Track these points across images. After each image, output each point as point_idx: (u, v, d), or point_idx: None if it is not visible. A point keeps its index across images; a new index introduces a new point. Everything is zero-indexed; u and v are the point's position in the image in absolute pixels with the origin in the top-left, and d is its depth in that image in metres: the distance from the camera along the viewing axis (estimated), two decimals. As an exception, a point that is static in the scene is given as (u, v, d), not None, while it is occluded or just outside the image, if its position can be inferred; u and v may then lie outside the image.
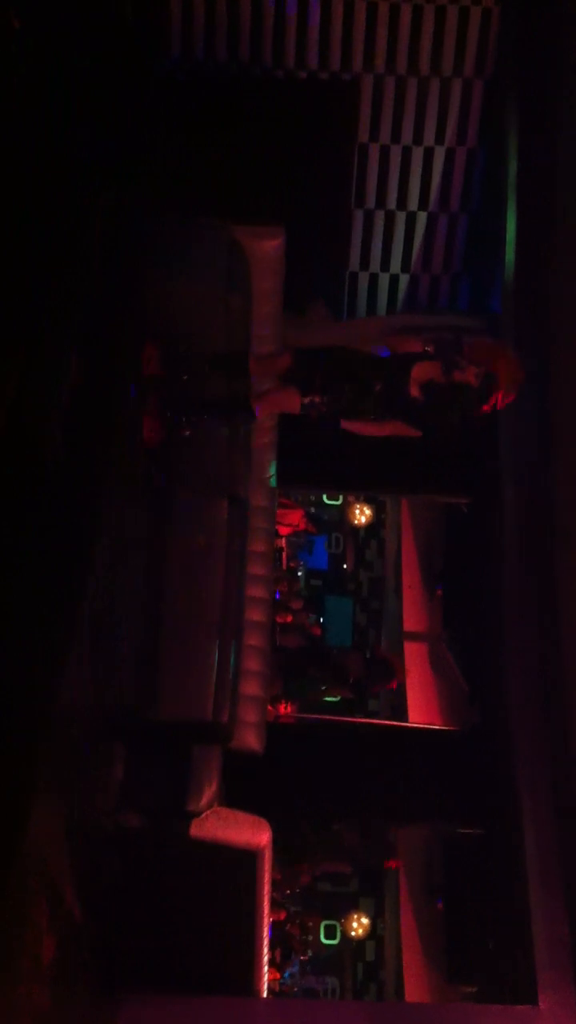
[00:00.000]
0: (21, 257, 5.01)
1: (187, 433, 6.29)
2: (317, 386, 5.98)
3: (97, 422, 5.29)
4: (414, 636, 9.35)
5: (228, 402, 6.41)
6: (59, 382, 4.99)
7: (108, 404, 5.53)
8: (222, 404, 6.40)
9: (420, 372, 5.85)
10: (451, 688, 8.67)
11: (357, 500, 10.46)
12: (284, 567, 10.55)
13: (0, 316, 4.80)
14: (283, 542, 10.56)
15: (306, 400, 6.03)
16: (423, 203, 8.40)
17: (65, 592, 4.84)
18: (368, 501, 10.47)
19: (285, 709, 8.34)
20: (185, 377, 6.29)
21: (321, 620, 10.21)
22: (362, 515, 10.44)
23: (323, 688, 9.11)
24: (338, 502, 10.67)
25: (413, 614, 9.42)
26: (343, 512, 10.74)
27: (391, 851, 9.27)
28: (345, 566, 10.61)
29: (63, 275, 5.27)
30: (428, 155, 8.23)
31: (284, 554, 10.52)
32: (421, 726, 8.75)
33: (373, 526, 10.64)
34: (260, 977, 6.37)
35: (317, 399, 6.00)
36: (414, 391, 5.81)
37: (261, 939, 6.34)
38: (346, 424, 5.99)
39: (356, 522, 10.58)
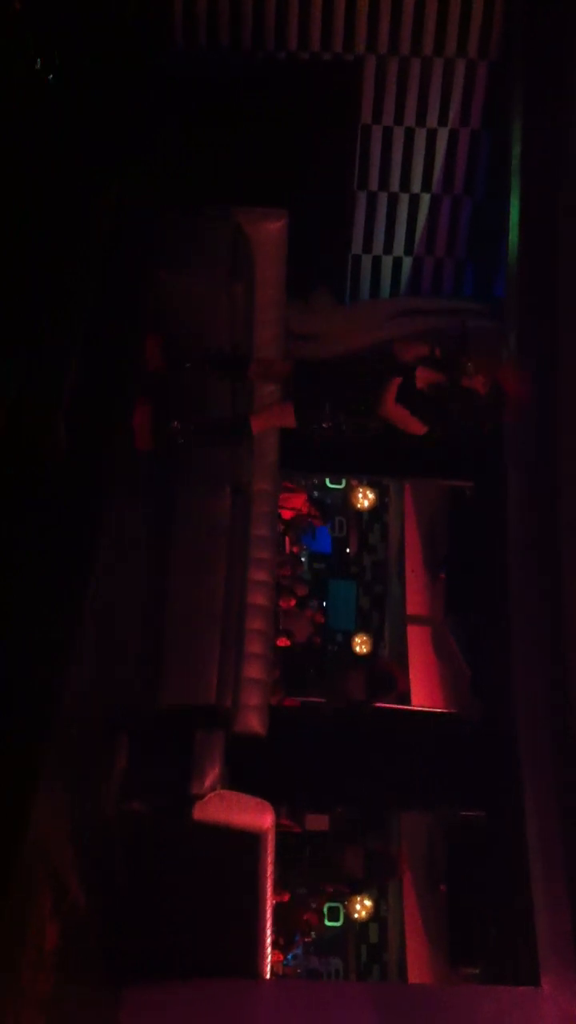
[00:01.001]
0: (23, 252, 5.00)
1: (181, 442, 6.30)
2: (325, 415, 6.00)
3: (100, 417, 5.29)
4: (417, 620, 9.36)
5: (225, 420, 6.43)
6: (62, 379, 4.99)
7: (111, 400, 5.52)
8: (219, 421, 6.41)
9: (426, 377, 5.86)
10: (454, 672, 8.68)
11: (360, 484, 10.44)
12: (287, 551, 10.56)
13: (2, 313, 4.79)
14: (286, 526, 10.57)
15: (313, 426, 6.07)
16: (426, 185, 8.35)
17: (69, 579, 4.85)
18: (371, 485, 10.45)
19: (280, 701, 8.35)
20: (187, 367, 6.28)
21: (324, 604, 10.22)
22: (365, 499, 10.43)
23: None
24: (341, 486, 10.66)
25: (416, 598, 9.43)
26: (346, 496, 10.73)
27: (394, 867, 9.30)
28: (348, 550, 10.62)
29: (65, 270, 5.26)
30: (431, 137, 8.17)
31: (287, 538, 10.52)
32: (424, 709, 8.77)
33: (376, 510, 10.64)
34: (263, 959, 6.41)
35: (325, 425, 6.04)
36: (420, 384, 5.83)
37: (264, 921, 6.37)
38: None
39: (359, 506, 10.57)
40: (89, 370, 5.12)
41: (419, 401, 5.86)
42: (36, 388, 4.79)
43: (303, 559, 10.64)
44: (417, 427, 5.90)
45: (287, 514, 10.46)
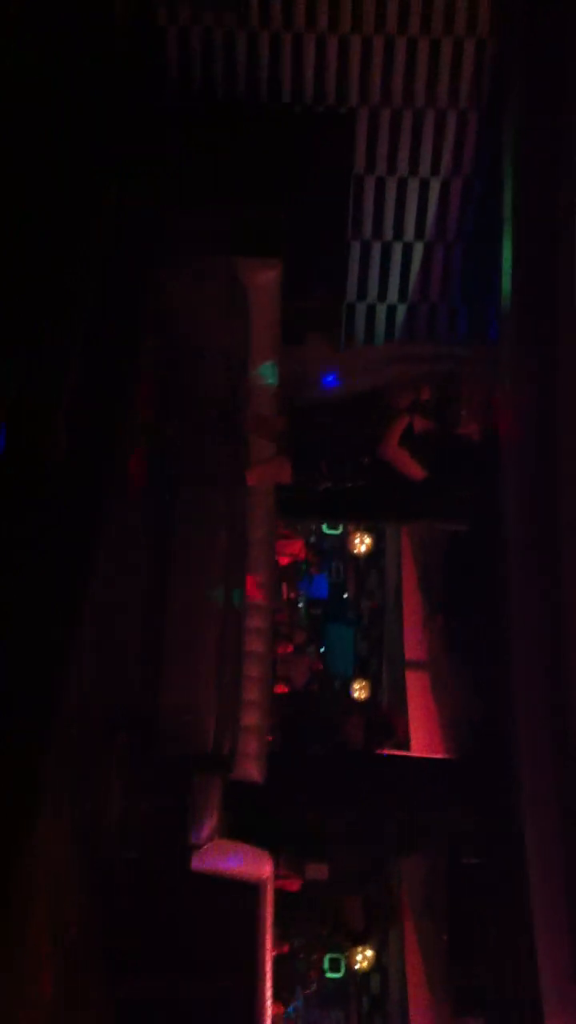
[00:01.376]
0: (23, 253, 5.03)
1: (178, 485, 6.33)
2: (324, 474, 6.05)
3: (99, 424, 5.30)
4: (416, 664, 9.31)
5: (221, 471, 6.46)
6: (62, 379, 5.01)
7: (110, 406, 5.53)
8: (215, 475, 6.44)
9: (421, 424, 5.92)
10: (453, 716, 8.62)
11: (357, 529, 10.44)
12: (284, 597, 10.51)
13: (2, 313, 4.82)
14: (283, 572, 10.53)
15: (312, 484, 6.11)
16: (419, 234, 8.45)
17: (63, 627, 4.84)
18: (368, 530, 10.44)
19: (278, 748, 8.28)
20: (179, 423, 6.32)
21: (322, 650, 10.17)
22: (362, 544, 10.42)
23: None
24: (338, 531, 10.64)
25: (414, 642, 9.38)
26: (343, 541, 10.71)
27: (394, 915, 9.20)
28: (346, 595, 10.58)
29: (65, 270, 5.30)
30: (424, 186, 8.29)
31: (284, 584, 10.48)
32: (424, 755, 8.70)
33: (373, 555, 10.62)
34: (264, 1012, 6.32)
35: (321, 486, 6.10)
36: (417, 430, 5.88)
37: (264, 973, 6.29)
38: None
39: (357, 551, 10.56)
40: (89, 370, 5.13)
41: (417, 446, 5.91)
42: (36, 388, 4.80)
43: (300, 605, 10.60)
44: (416, 471, 5.94)
45: (284, 560, 10.44)
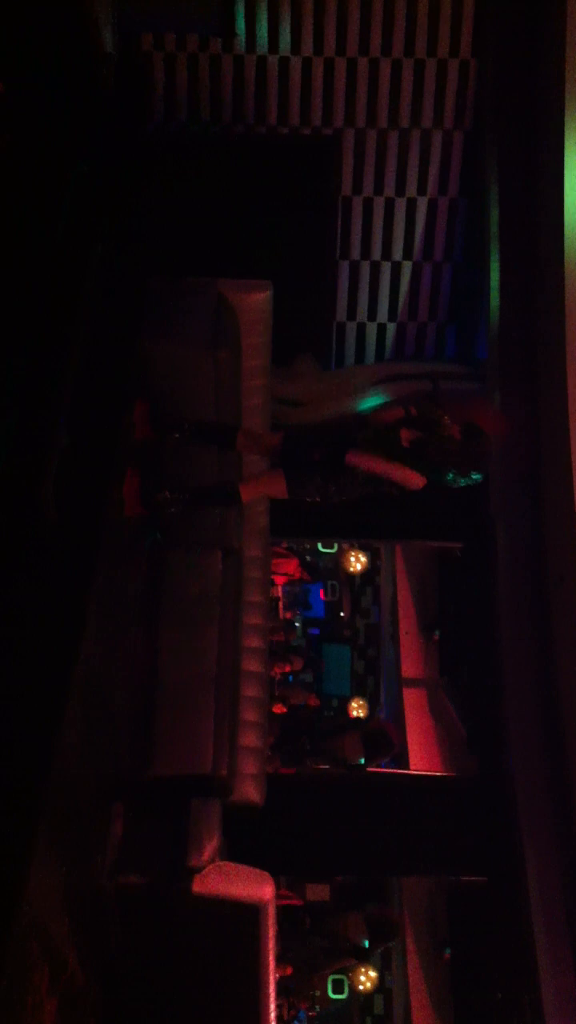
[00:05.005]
0: (8, 311, 5.05)
1: (172, 511, 6.34)
2: (314, 487, 6.05)
3: (89, 483, 5.31)
4: (412, 682, 9.31)
5: (214, 488, 6.47)
6: (51, 444, 5.01)
7: (100, 465, 5.55)
8: (208, 489, 6.45)
9: (407, 436, 5.94)
10: (450, 734, 8.62)
11: (352, 548, 10.46)
12: (280, 616, 10.52)
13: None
14: (279, 591, 10.54)
15: (306, 498, 6.12)
16: (407, 253, 8.51)
17: (60, 651, 4.84)
18: (363, 548, 10.47)
19: (276, 769, 8.28)
20: (175, 436, 6.34)
21: (318, 670, 10.18)
22: (357, 562, 10.43)
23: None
24: (333, 550, 10.66)
25: (411, 660, 9.39)
26: (338, 560, 10.73)
27: (395, 930, 9.18)
28: (342, 614, 10.59)
29: (51, 330, 5.31)
30: (411, 206, 8.35)
31: (280, 603, 10.50)
32: (422, 773, 8.69)
33: (368, 573, 10.63)
34: (268, 1034, 6.28)
35: (317, 499, 6.10)
36: (404, 443, 5.89)
37: (267, 995, 6.25)
38: (352, 458, 6.00)
39: (351, 569, 10.58)
40: (77, 432, 5.14)
41: (407, 458, 5.92)
42: (26, 451, 4.81)
43: (296, 624, 10.62)
44: (417, 480, 5.93)
45: (279, 579, 10.45)
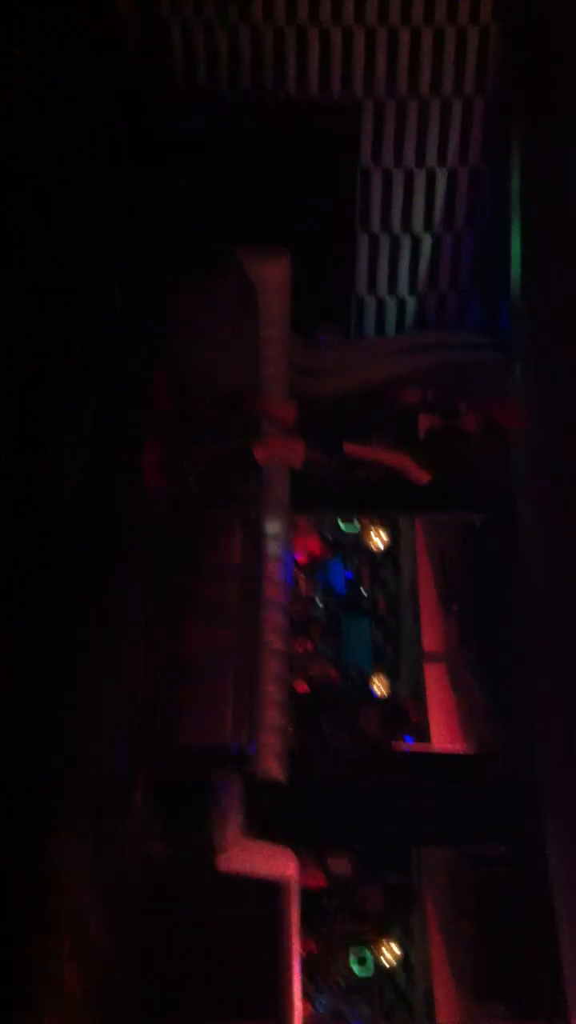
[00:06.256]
0: (31, 298, 5.04)
1: (191, 480, 6.33)
2: (330, 459, 6.03)
3: (114, 462, 5.31)
4: (433, 656, 9.26)
5: (231, 456, 6.45)
6: (76, 426, 5.01)
7: (125, 445, 5.54)
8: (226, 459, 6.43)
9: (424, 424, 5.90)
10: (472, 706, 8.58)
11: (372, 523, 10.42)
12: (301, 592, 10.49)
13: (15, 359, 4.82)
14: (299, 567, 10.51)
15: (324, 469, 6.10)
16: (428, 224, 8.42)
17: (82, 625, 4.84)
18: (383, 524, 10.42)
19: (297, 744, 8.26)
20: (195, 409, 6.33)
21: (339, 644, 10.15)
22: (378, 538, 10.40)
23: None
24: (354, 526, 10.63)
25: (431, 634, 9.34)
26: (359, 536, 10.69)
27: (413, 898, 9.17)
28: (362, 588, 10.55)
29: (74, 314, 5.30)
30: (431, 176, 8.26)
31: (301, 579, 10.46)
32: (444, 749, 8.66)
33: (389, 548, 10.59)
34: (293, 1010, 6.28)
35: (337, 470, 6.08)
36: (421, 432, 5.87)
37: (292, 972, 6.26)
38: (349, 448, 5.99)
39: (373, 546, 10.54)
40: (104, 414, 5.13)
41: (420, 449, 5.89)
42: (52, 433, 4.80)
43: (316, 599, 10.58)
44: (420, 475, 5.91)
45: (300, 556, 10.41)
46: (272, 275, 6.83)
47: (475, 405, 5.84)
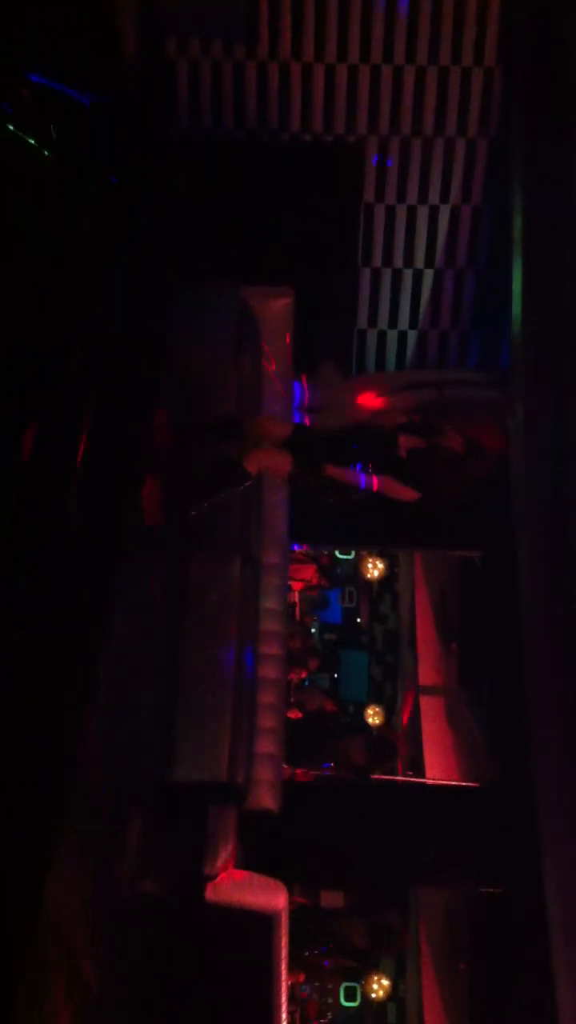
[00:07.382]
0: (35, 319, 5.06)
1: (192, 514, 6.35)
2: (327, 481, 6.05)
3: (112, 487, 5.32)
4: (430, 690, 9.29)
5: (222, 467, 6.46)
6: (75, 445, 5.02)
7: (123, 469, 5.55)
8: (217, 473, 6.45)
9: (405, 444, 5.93)
10: (468, 743, 8.58)
11: (370, 554, 10.46)
12: (298, 621, 10.51)
13: (15, 380, 4.83)
14: (296, 597, 10.53)
15: (318, 494, 6.13)
16: (429, 261, 8.49)
17: (80, 659, 4.84)
18: (381, 555, 10.46)
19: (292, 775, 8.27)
20: (196, 445, 6.36)
21: (336, 676, 10.17)
22: (375, 569, 10.43)
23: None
24: (351, 556, 10.66)
25: (429, 668, 9.37)
26: (356, 566, 10.73)
27: (394, 938, 9.16)
28: (359, 620, 10.58)
29: (75, 337, 5.31)
30: (433, 213, 8.33)
31: (297, 609, 10.49)
32: (439, 782, 8.65)
33: (387, 579, 10.62)
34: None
35: (331, 497, 6.10)
36: (402, 452, 5.89)
37: (279, 1003, 6.23)
38: (331, 470, 6.01)
39: (369, 576, 10.57)
40: (101, 437, 5.13)
41: (403, 468, 5.91)
42: (50, 452, 4.80)
43: (313, 630, 10.60)
44: (408, 493, 5.92)
45: (297, 585, 10.44)
46: (276, 311, 6.88)
47: (457, 426, 5.86)
